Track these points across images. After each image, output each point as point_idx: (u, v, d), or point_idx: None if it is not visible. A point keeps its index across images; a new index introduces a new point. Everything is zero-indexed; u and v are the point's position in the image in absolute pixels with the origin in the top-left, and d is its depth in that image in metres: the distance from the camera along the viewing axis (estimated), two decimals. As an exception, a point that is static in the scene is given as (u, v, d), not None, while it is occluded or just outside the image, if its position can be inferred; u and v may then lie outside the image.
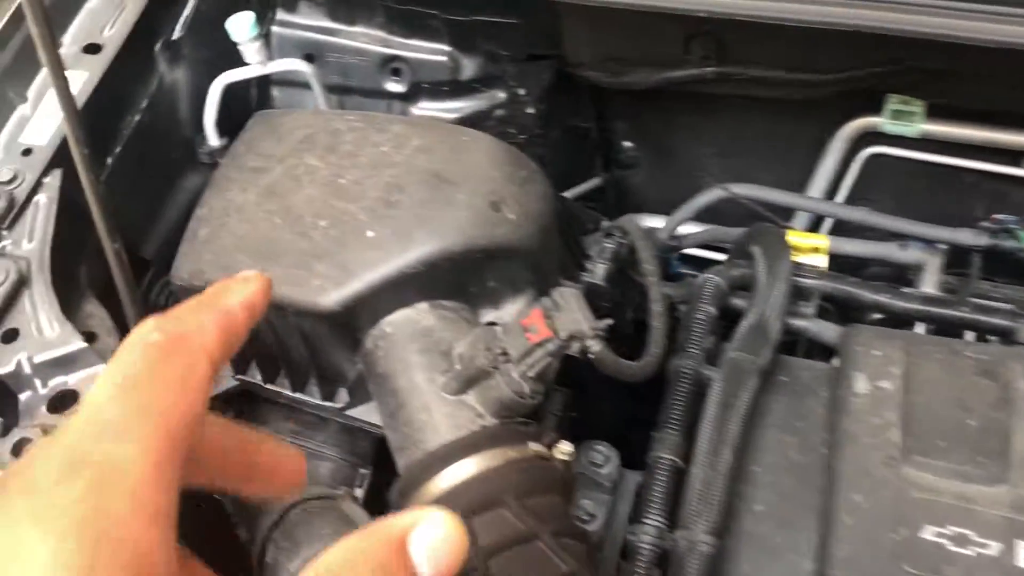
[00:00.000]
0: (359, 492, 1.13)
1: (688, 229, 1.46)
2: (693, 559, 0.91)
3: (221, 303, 0.38)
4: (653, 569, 0.93)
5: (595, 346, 0.84)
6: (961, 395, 0.98)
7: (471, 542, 0.77)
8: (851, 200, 1.46)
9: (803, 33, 1.12)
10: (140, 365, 0.34)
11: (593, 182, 1.55)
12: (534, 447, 0.88)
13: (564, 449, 0.91)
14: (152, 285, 1.14)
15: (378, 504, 1.12)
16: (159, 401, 0.33)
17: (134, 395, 0.33)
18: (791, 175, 1.50)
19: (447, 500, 0.83)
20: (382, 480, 1.18)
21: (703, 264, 1.55)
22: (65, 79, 0.70)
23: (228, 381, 1.04)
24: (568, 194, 1.50)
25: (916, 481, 0.95)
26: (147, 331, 0.35)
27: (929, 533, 0.92)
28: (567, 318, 0.83)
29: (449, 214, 0.91)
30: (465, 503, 0.83)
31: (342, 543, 0.34)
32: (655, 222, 1.60)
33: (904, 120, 1.39)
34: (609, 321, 0.84)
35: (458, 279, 0.94)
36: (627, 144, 1.60)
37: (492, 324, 0.90)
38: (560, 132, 1.44)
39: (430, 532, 0.35)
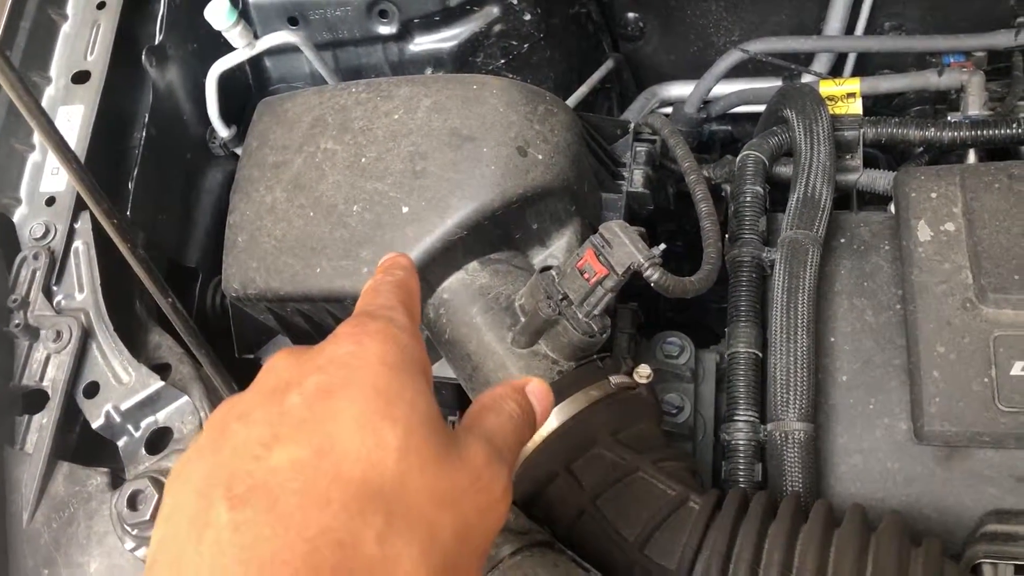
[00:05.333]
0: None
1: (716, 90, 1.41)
2: (791, 448, 0.92)
3: (397, 273, 0.59)
4: (754, 463, 0.95)
5: (654, 274, 0.83)
6: (1028, 221, 0.95)
7: (576, 485, 0.85)
8: (871, 29, 1.39)
9: None
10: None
11: (607, 65, 1.50)
12: (615, 380, 0.89)
13: (642, 372, 0.92)
14: (204, 290, 1.15)
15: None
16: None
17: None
18: (807, 12, 1.43)
19: (542, 453, 0.84)
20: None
21: (734, 119, 1.52)
22: (68, 147, 0.69)
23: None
24: (584, 85, 1.46)
25: (997, 319, 0.94)
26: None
27: (1020, 368, 0.92)
28: (620, 252, 0.82)
29: (478, 171, 0.89)
30: (561, 452, 0.85)
31: (486, 392, 0.55)
32: (681, 88, 1.56)
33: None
34: (663, 247, 0.83)
35: (502, 231, 0.93)
36: (631, 15, 1.53)
37: (546, 269, 0.89)
38: (561, 26, 1.39)
39: (535, 386, 0.56)
